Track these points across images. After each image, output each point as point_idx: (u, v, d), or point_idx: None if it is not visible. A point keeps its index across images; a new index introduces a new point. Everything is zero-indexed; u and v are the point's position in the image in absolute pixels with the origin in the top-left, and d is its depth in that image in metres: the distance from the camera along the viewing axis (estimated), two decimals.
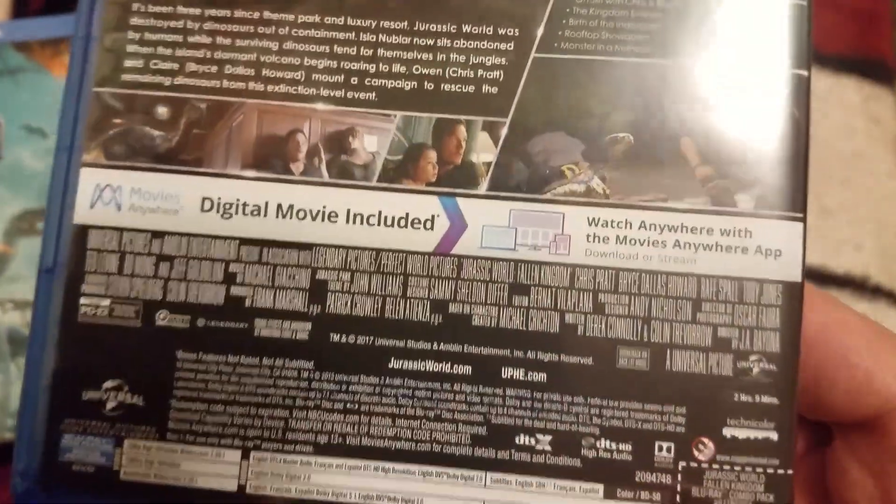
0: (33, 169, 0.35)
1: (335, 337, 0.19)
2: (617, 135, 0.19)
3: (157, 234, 0.19)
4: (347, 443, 0.18)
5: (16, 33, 0.36)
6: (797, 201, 0.18)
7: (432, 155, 0.19)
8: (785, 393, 0.18)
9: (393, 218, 0.19)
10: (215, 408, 0.19)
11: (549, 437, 0.18)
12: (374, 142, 0.19)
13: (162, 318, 0.19)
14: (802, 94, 0.18)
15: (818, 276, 0.36)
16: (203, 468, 0.18)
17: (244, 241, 0.19)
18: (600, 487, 0.18)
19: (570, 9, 0.19)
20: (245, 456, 0.18)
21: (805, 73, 0.18)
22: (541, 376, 0.18)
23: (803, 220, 0.18)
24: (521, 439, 0.18)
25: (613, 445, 0.18)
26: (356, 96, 0.19)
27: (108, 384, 0.19)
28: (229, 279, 0.19)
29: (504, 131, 0.19)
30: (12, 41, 0.36)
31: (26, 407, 0.19)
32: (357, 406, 0.18)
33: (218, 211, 0.19)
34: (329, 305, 0.19)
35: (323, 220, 0.19)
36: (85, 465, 0.18)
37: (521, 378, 0.18)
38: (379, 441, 0.18)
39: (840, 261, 0.36)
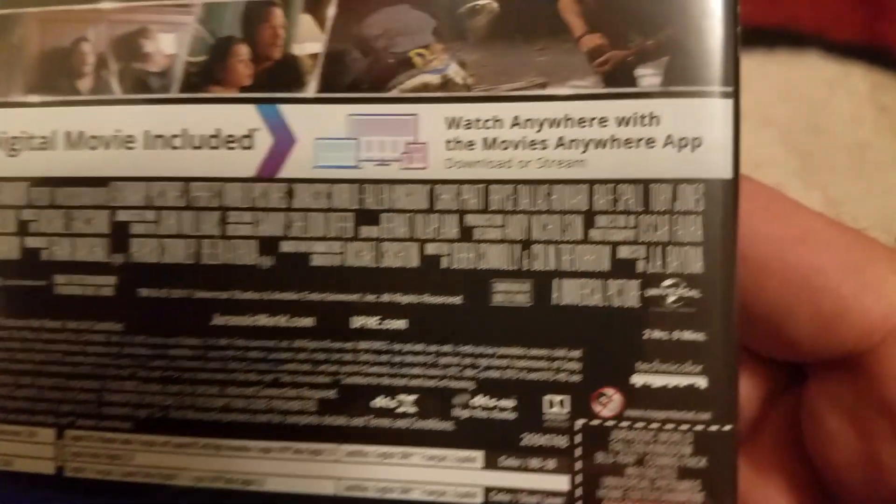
0: None
1: (144, 291, 0.14)
2: (477, 2, 0.13)
3: None
4: (171, 416, 0.14)
5: None
6: (724, 71, 0.13)
7: (243, 50, 0.14)
8: (715, 325, 0.13)
9: (201, 137, 0.14)
10: (23, 380, 0.15)
11: (413, 397, 0.14)
12: (171, 41, 0.14)
13: None
14: None
15: None
16: (18, 449, 0.15)
17: (35, 182, 0.15)
18: (479, 455, 0.13)
19: None
20: (60, 434, 0.15)
21: None
22: (399, 323, 0.14)
23: (734, 95, 0.13)
24: (380, 401, 0.14)
25: (493, 402, 0.13)
26: None
27: None
28: (23, 228, 0.15)
29: (332, 10, 0.14)
30: None
31: None
32: (178, 373, 0.14)
33: (3, 148, 0.15)
34: (134, 253, 0.14)
35: (118, 146, 0.14)
36: None
37: (375, 327, 0.14)
38: (207, 414, 0.14)
39: None
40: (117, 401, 0.14)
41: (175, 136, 0.14)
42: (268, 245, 0.14)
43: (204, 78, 0.14)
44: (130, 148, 0.14)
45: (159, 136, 0.14)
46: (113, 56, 0.14)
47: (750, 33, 0.39)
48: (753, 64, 0.36)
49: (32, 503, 0.15)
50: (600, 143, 0.13)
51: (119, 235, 0.14)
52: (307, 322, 0.14)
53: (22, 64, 0.15)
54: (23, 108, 0.15)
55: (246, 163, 0.14)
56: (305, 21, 0.14)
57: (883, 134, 0.35)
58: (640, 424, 0.13)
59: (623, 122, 0.13)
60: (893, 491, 0.13)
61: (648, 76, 0.13)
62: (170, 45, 0.14)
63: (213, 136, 0.14)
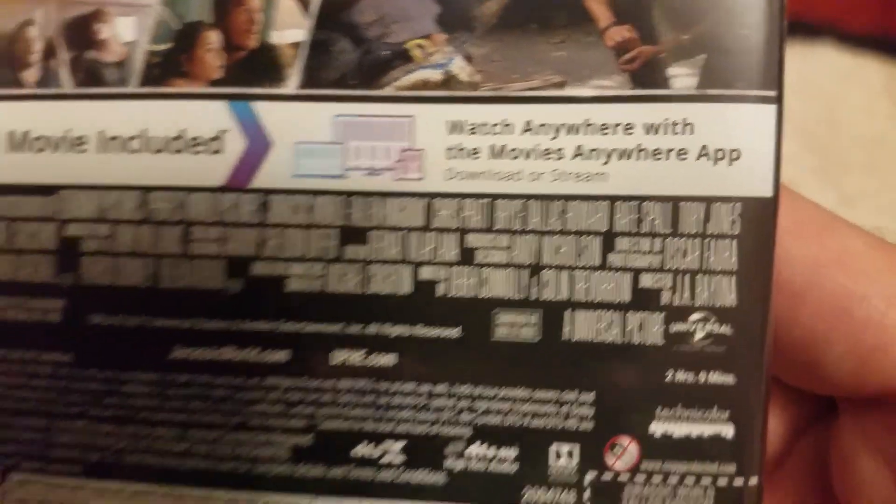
0: None
1: (96, 318, 0.12)
2: None
3: None
4: (125, 461, 0.12)
5: None
6: (767, 73, 0.11)
7: (214, 38, 0.12)
8: (746, 366, 0.11)
9: (163, 139, 0.12)
10: None
11: (400, 444, 0.11)
12: (130, 26, 0.12)
13: None
14: None
15: None
16: None
17: None
18: None
19: None
20: (2, 478, 0.12)
21: None
22: (387, 359, 0.11)
23: (777, 100, 0.11)
24: (363, 449, 0.11)
25: (491, 451, 0.11)
26: None
27: None
28: None
29: None
30: None
31: None
32: (134, 412, 0.12)
33: None
34: (84, 273, 0.12)
35: (67, 149, 0.12)
36: None
37: (358, 363, 0.11)
38: (166, 459, 0.12)
39: None
40: (66, 441, 0.12)
41: (133, 137, 0.12)
42: (237, 266, 0.11)
43: (167, 70, 0.12)
44: (82, 151, 0.12)
45: (115, 138, 0.12)
46: (63, 43, 0.12)
47: None
48: None
49: None
50: (624, 154, 0.11)
51: (68, 252, 0.12)
52: (280, 356, 0.11)
53: None
54: None
55: (214, 170, 0.11)
56: (286, 4, 0.11)
57: None
58: (657, 479, 0.11)
59: (652, 129, 0.11)
60: None
61: (682, 77, 0.11)
62: (128, 31, 0.12)
63: (176, 138, 0.12)
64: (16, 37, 0.12)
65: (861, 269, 0.12)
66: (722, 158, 0.11)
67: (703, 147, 0.11)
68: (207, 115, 0.12)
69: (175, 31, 0.12)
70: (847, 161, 0.32)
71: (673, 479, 0.11)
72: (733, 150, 0.11)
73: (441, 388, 0.11)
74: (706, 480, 0.11)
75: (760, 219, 0.11)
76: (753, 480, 0.11)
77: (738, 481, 0.11)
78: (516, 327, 0.11)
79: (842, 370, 0.12)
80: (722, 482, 0.11)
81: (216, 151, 0.12)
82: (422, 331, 0.11)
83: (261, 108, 0.11)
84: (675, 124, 0.11)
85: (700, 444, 0.11)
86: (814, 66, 0.33)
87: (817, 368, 0.12)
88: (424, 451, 0.11)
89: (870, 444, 0.12)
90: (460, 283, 0.11)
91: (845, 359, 0.12)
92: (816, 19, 0.34)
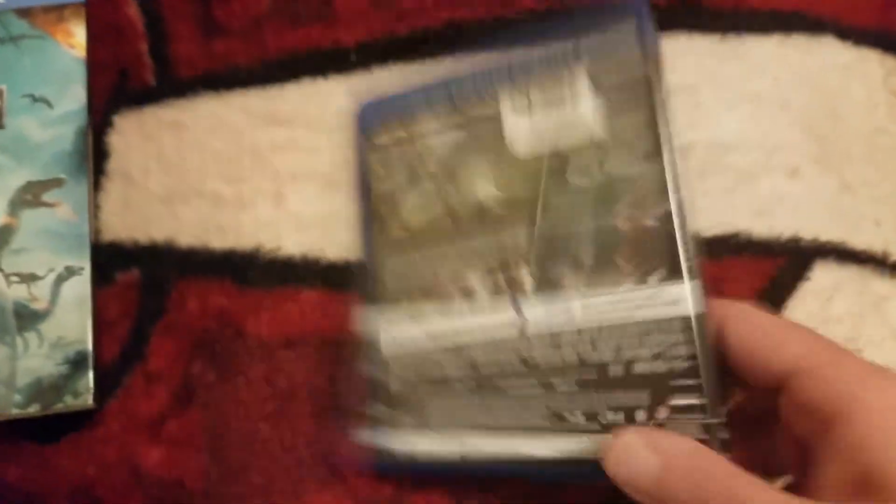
0: (38, 139, 0.29)
1: None
2: None
3: None
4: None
5: (18, 0, 0.31)
6: (688, 270, 0.25)
7: None
8: (705, 374, 0.24)
9: None
10: None
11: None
12: None
13: None
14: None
15: (837, 253, 0.32)
16: None
17: None
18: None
19: None
20: None
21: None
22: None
23: (699, 276, 0.25)
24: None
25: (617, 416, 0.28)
26: None
27: None
28: None
29: None
30: (14, 8, 0.31)
31: None
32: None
33: None
34: None
35: None
36: None
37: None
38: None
39: (860, 237, 0.32)
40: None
41: None
42: None
43: None
44: None
45: None
46: None
47: (767, 17, 0.35)
48: (771, 48, 0.34)
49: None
50: (637, 307, 0.26)
51: None
52: None
53: None
54: None
55: None
56: None
57: None
58: (676, 419, 0.26)
59: (646, 298, 0.26)
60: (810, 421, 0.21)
61: (653, 280, 0.26)
62: None
63: None
64: None
65: (749, 322, 0.23)
66: (674, 304, 0.25)
67: (664, 301, 0.25)
68: None
69: None
70: (848, 151, 0.32)
71: (682, 420, 0.26)
72: (676, 300, 0.25)
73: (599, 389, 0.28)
74: (696, 420, 0.25)
75: (699, 320, 0.25)
76: (716, 420, 0.23)
77: (710, 420, 0.25)
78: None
79: (756, 374, 0.22)
80: (703, 421, 0.25)
81: None
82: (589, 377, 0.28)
83: None
84: (651, 295, 0.26)
85: (692, 407, 0.25)
86: (816, 59, 0.33)
87: (745, 373, 0.23)
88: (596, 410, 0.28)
89: (790, 399, 0.22)
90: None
91: (754, 367, 0.22)
92: (819, 14, 0.34)
